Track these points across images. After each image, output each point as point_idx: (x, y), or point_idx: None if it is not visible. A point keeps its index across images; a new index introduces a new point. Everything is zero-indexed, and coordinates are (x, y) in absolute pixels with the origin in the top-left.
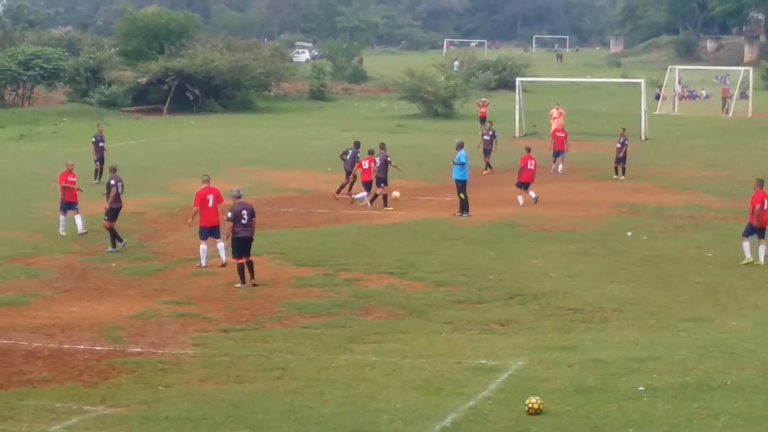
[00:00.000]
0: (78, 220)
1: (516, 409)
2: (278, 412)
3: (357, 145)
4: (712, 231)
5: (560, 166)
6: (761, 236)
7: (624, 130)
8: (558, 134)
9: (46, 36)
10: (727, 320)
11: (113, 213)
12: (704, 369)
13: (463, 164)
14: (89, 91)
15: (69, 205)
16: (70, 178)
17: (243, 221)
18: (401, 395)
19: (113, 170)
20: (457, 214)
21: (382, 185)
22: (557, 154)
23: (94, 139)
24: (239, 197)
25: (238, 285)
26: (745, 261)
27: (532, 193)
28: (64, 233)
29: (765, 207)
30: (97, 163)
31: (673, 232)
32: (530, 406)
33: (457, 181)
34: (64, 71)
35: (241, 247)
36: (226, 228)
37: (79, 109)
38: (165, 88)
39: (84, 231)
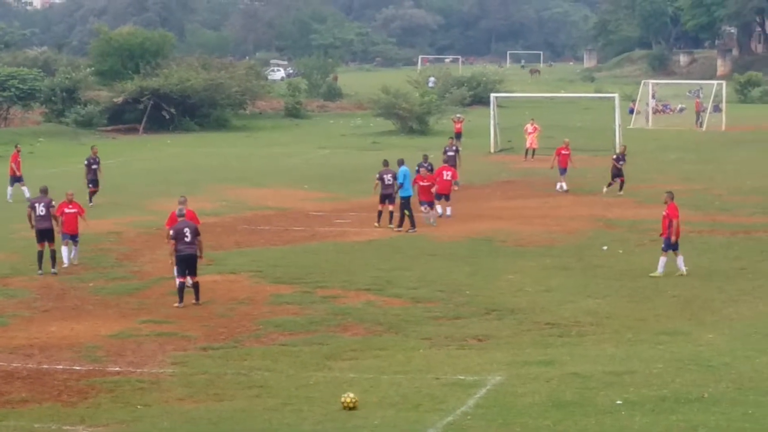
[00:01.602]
0: (72, 251)
1: (495, 424)
2: (257, 430)
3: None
4: (687, 245)
5: (563, 185)
6: (676, 248)
7: (625, 147)
8: (563, 152)
9: (22, 57)
10: (703, 333)
11: (37, 235)
12: (681, 382)
13: (401, 184)
14: (65, 111)
15: (65, 236)
16: (67, 210)
17: (186, 239)
18: (379, 412)
19: (44, 191)
20: (410, 230)
21: (386, 202)
22: (563, 171)
23: (86, 162)
24: (182, 216)
25: (176, 304)
26: (656, 274)
27: (448, 209)
28: (66, 264)
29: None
30: (90, 186)
31: (649, 246)
32: (346, 402)
33: (402, 198)
34: (40, 92)
35: (184, 265)
36: (168, 247)
37: (55, 130)
38: (141, 107)
39: (75, 263)
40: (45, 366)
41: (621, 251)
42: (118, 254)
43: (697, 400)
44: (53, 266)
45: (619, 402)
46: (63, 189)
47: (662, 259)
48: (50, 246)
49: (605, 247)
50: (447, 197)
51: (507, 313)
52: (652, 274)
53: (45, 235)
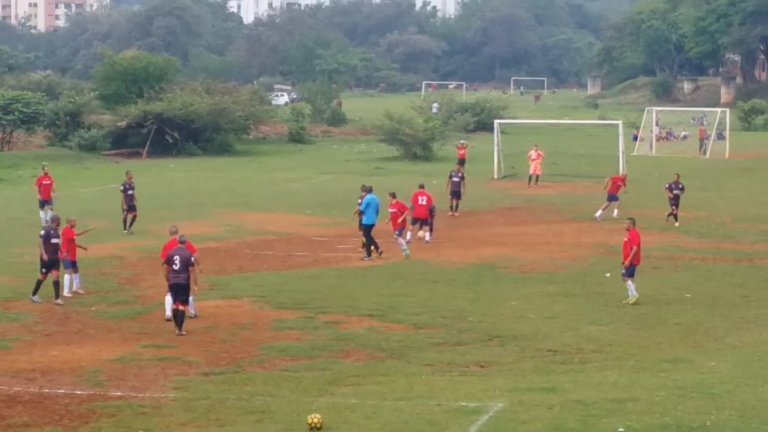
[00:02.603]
0: (75, 279)
1: None
2: None
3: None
4: (690, 272)
5: (600, 213)
6: (631, 275)
7: (678, 175)
8: (618, 183)
9: (26, 80)
10: (705, 361)
11: (42, 264)
12: (683, 410)
13: (363, 211)
14: (69, 135)
15: (67, 264)
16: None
17: (175, 267)
18: None
19: (56, 221)
20: (365, 257)
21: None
22: (612, 198)
23: (122, 187)
24: (181, 243)
25: (177, 332)
26: (631, 300)
27: (427, 235)
28: (67, 293)
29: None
30: (125, 212)
31: (652, 274)
32: (312, 422)
33: (363, 225)
34: (44, 115)
35: (173, 292)
36: (163, 270)
37: (58, 153)
38: (144, 131)
39: (69, 294)
40: (47, 390)
41: None
42: (120, 278)
43: (700, 428)
44: (57, 296)
45: (621, 429)
46: (65, 214)
47: (629, 284)
48: (55, 274)
49: (608, 274)
50: (424, 222)
51: (509, 340)
52: (625, 301)
53: (46, 265)
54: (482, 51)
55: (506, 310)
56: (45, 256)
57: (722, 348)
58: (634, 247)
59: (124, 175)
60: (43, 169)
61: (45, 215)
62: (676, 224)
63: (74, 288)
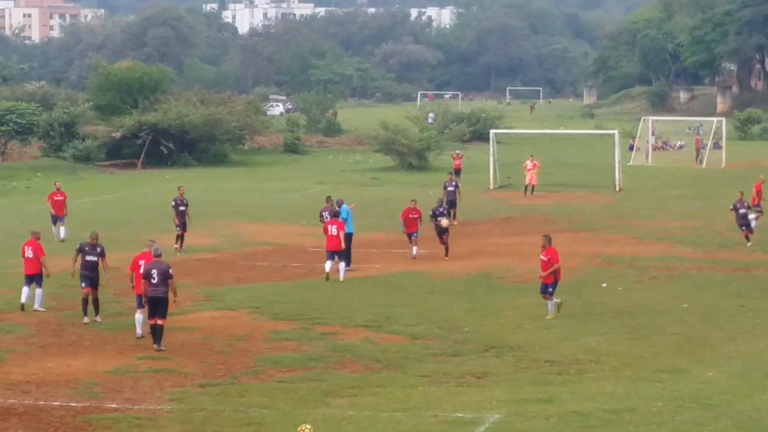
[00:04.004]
0: (37, 296)
1: None
2: None
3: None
4: (687, 282)
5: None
6: (551, 292)
7: (742, 193)
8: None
9: (20, 91)
10: (702, 371)
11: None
12: (681, 420)
13: (344, 220)
14: (63, 146)
15: (27, 278)
16: (27, 250)
17: (153, 280)
18: None
19: (94, 237)
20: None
21: None
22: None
23: (173, 203)
24: (157, 256)
25: (155, 347)
26: (550, 316)
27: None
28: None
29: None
30: (179, 229)
31: (648, 283)
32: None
33: (345, 235)
34: (38, 126)
35: (151, 306)
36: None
37: (53, 164)
38: (139, 142)
39: (41, 309)
40: (42, 402)
41: (620, 288)
42: (115, 290)
43: None
44: (96, 313)
45: None
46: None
47: (550, 303)
48: (93, 293)
49: (604, 284)
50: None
51: (506, 351)
52: (547, 317)
53: (85, 280)
54: (478, 61)
55: (502, 320)
56: (77, 269)
57: (719, 358)
58: (555, 264)
59: (176, 191)
60: (55, 184)
61: (57, 231)
62: (749, 244)
63: (35, 306)
